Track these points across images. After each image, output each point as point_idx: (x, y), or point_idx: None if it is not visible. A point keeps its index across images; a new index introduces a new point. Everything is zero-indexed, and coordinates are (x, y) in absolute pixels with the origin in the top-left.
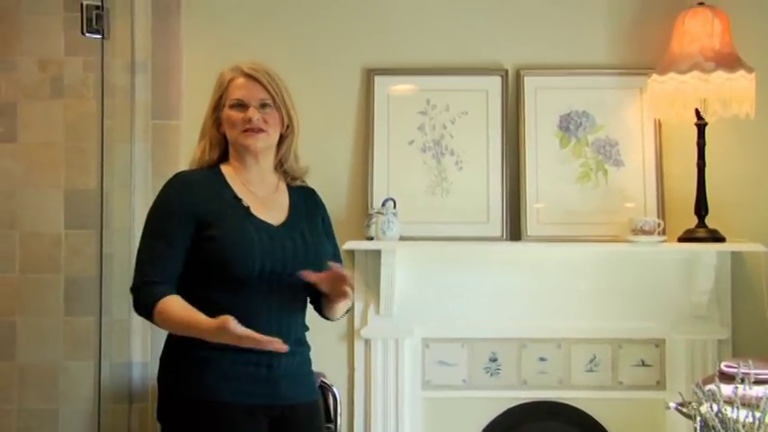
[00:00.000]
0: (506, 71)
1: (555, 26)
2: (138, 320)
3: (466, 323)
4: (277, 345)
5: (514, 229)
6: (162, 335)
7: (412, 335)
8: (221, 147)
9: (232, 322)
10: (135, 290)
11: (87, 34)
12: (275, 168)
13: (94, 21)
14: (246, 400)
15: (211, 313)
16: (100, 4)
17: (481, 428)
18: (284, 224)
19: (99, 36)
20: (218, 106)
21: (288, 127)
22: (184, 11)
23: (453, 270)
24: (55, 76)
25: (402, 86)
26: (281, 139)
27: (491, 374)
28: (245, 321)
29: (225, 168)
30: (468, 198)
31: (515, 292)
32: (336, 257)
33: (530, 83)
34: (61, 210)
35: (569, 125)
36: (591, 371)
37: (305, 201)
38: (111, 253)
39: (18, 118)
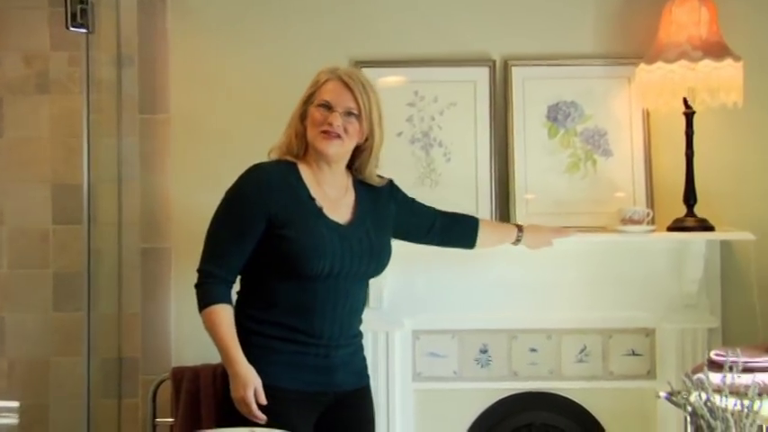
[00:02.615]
0: (494, 62)
1: (542, 16)
2: (128, 315)
3: (456, 315)
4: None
5: (503, 220)
6: (150, 330)
7: (402, 327)
8: (305, 140)
9: (259, 393)
10: (200, 272)
11: (72, 28)
12: (347, 169)
13: (79, 15)
14: (305, 387)
15: (275, 302)
16: None
17: (472, 420)
18: (351, 223)
19: (84, 30)
20: (307, 101)
21: (367, 139)
22: (170, 4)
23: (442, 262)
24: (40, 71)
25: (390, 78)
26: (358, 148)
27: (482, 366)
28: (306, 313)
29: (301, 165)
30: (457, 189)
31: (505, 283)
32: (435, 215)
33: (517, 73)
34: (49, 205)
35: (557, 115)
36: (581, 361)
37: (371, 198)
38: (99, 248)
39: (4, 113)
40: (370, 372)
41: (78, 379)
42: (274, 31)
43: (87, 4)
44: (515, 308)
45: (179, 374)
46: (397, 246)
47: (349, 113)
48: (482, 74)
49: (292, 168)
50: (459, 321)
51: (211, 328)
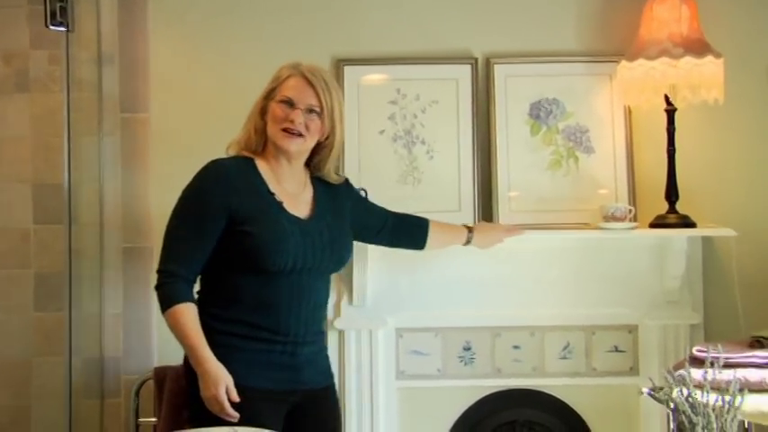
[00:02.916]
0: (476, 59)
1: (524, 14)
2: (109, 315)
3: (439, 313)
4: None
5: (486, 218)
6: (132, 330)
7: (385, 325)
8: (265, 136)
9: (231, 390)
10: (160, 273)
11: (51, 27)
12: (305, 165)
13: (58, 13)
14: (271, 385)
15: (237, 299)
16: None
17: (456, 417)
18: (311, 218)
19: (63, 29)
20: (268, 96)
21: (328, 137)
22: (151, 2)
23: (426, 259)
24: (20, 70)
25: (372, 76)
26: (318, 145)
27: (465, 363)
28: (270, 309)
29: (259, 161)
30: (440, 187)
31: (488, 280)
32: (387, 215)
33: (499, 71)
34: (29, 204)
35: (540, 113)
36: (565, 358)
37: (329, 194)
38: (80, 248)
39: None
40: (353, 370)
41: (60, 379)
42: (256, 30)
43: (67, 2)
44: (499, 305)
45: (161, 374)
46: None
47: (311, 111)
48: (464, 71)
49: (250, 164)
50: (443, 319)
51: (177, 328)
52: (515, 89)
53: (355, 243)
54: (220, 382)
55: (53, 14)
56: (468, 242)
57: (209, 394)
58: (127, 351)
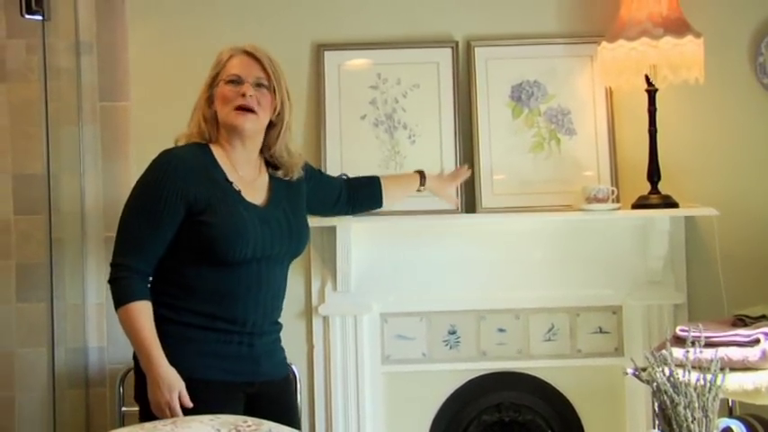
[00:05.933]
0: (456, 43)
1: None
2: (92, 305)
3: (424, 297)
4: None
5: (469, 202)
6: (116, 319)
7: (370, 310)
8: (216, 123)
9: (184, 395)
10: (115, 267)
11: (27, 16)
12: (260, 152)
13: (34, 2)
14: (228, 377)
15: (192, 288)
16: None
17: (442, 401)
18: (268, 205)
19: (40, 17)
20: (212, 84)
21: (279, 114)
22: None
23: (410, 244)
24: None
25: (352, 61)
26: (270, 125)
27: (450, 347)
28: (227, 299)
29: (214, 148)
30: None
31: (472, 264)
32: (340, 183)
33: (480, 54)
34: (10, 195)
35: (521, 95)
36: (549, 340)
37: (285, 180)
38: (62, 237)
39: None
40: (338, 355)
41: (45, 370)
42: (235, 16)
43: None
44: (483, 288)
45: None
46: (364, 228)
47: (259, 84)
48: (445, 55)
49: (206, 151)
50: (427, 303)
51: (130, 328)
52: (496, 72)
53: (340, 227)
54: (174, 387)
55: (29, 3)
56: (422, 186)
57: (163, 399)
58: (111, 340)
